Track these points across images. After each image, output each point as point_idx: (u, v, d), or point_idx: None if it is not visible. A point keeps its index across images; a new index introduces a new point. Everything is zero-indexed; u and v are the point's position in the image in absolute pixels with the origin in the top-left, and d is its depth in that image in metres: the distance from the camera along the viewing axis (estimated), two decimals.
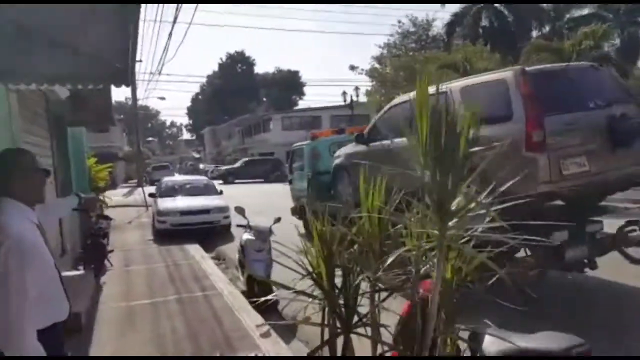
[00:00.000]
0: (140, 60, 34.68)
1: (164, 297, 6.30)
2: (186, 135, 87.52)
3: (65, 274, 6.50)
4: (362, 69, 27.64)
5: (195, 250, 9.55)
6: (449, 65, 18.63)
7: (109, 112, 8.31)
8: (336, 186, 8.66)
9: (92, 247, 7.76)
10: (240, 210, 6.60)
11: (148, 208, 16.03)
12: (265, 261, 6.16)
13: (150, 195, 13.05)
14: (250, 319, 5.31)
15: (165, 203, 11.54)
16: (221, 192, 12.81)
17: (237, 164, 35.31)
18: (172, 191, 12.64)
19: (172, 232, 10.80)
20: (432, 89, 2.37)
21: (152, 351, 4.45)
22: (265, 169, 32.96)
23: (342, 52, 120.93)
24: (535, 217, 3.33)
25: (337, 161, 8.55)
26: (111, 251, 8.45)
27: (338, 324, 2.49)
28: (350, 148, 8.13)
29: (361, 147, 7.57)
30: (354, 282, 2.41)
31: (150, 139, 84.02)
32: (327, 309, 2.53)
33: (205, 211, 11.26)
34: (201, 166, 48.04)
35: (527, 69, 5.14)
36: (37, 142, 5.75)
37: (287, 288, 2.57)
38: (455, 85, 5.61)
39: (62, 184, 7.78)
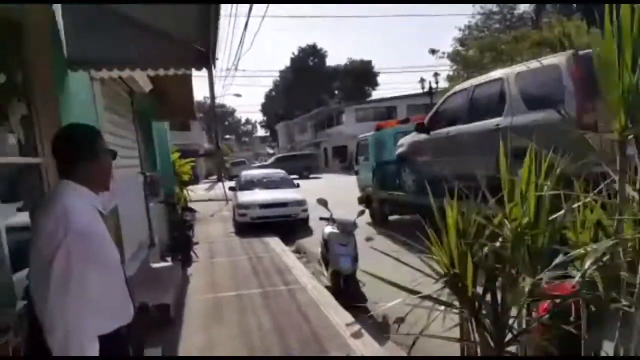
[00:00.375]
0: (217, 58, 35.71)
1: (248, 290, 6.18)
2: (260, 132, 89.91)
3: (154, 265, 6.62)
4: (444, 52, 26.27)
5: (275, 243, 9.50)
6: (544, 42, 17.02)
7: (191, 106, 8.34)
8: (399, 175, 9.10)
9: (178, 239, 7.86)
10: (323, 202, 6.33)
11: (228, 202, 16.36)
12: (351, 255, 5.84)
13: (231, 188, 13.24)
14: (339, 316, 5.00)
15: (246, 196, 11.56)
16: (298, 186, 12.71)
17: (269, 161, 35.05)
18: (251, 184, 12.72)
19: (252, 225, 10.85)
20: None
21: (239, 347, 4.27)
22: (298, 166, 32.16)
23: (419, 37, 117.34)
24: None
25: (399, 150, 8.96)
26: (196, 243, 8.55)
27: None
28: (412, 137, 8.43)
29: (422, 136, 7.94)
30: (507, 286, 1.94)
31: (227, 136, 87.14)
32: (465, 321, 2.07)
33: (283, 204, 11.19)
34: None
35: (580, 52, 5.16)
36: (122, 133, 5.81)
37: (412, 292, 2.15)
38: (510, 71, 6.08)
39: (148, 179, 7.92)
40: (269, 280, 6.66)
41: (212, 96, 22.06)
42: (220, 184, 22.17)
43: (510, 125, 5.71)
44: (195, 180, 25.53)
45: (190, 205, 10.97)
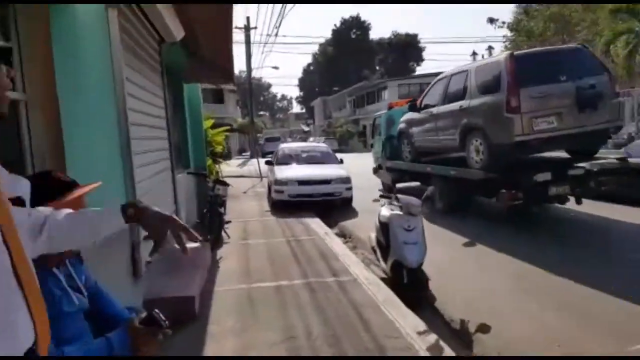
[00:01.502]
0: (255, 27, 34.96)
1: (289, 280, 5.32)
2: (296, 108, 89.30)
3: (178, 246, 5.83)
4: (503, 22, 24.56)
5: (316, 224, 8.68)
6: (620, 10, 15.40)
7: (230, 64, 7.42)
8: (399, 147, 11.12)
9: (209, 217, 7.09)
10: (384, 177, 5.38)
11: (262, 179, 15.93)
12: (419, 243, 4.87)
13: (267, 163, 12.54)
14: (405, 320, 4.06)
15: (283, 172, 10.85)
16: (341, 161, 11.83)
17: None
18: (290, 159, 12.02)
19: (289, 204, 10.19)
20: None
21: None
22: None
23: (473, 7, 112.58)
24: (524, 163, 7.78)
25: (400, 126, 11.05)
26: (228, 222, 7.80)
27: None
28: (409, 115, 10.59)
29: (415, 114, 10.18)
30: None
31: (261, 112, 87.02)
32: None
33: (326, 181, 10.40)
34: (310, 139, 48.37)
35: (514, 53, 7.64)
36: (147, 86, 4.93)
37: None
38: (472, 65, 8.59)
39: (176, 147, 7.13)
40: (313, 268, 5.79)
41: (249, 64, 21.12)
42: (253, 160, 21.70)
43: (469, 107, 8.04)
44: (227, 155, 24.96)
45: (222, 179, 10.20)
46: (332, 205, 10.32)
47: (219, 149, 11.79)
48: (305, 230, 8.17)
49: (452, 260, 6.26)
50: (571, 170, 7.71)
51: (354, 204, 10.44)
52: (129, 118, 3.63)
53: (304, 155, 12.30)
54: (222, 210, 7.53)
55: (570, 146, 8.13)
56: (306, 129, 69.24)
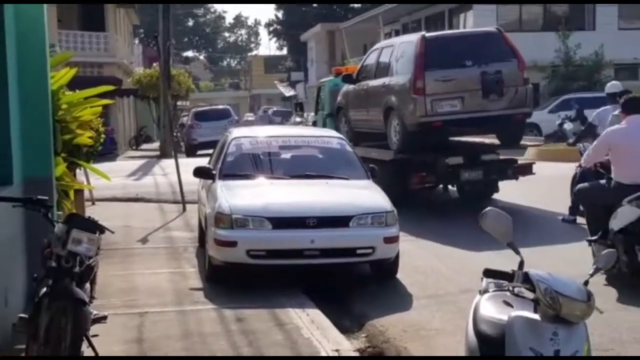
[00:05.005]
0: None
1: None
2: (268, 47, 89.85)
3: None
4: None
5: (315, 327, 8.92)
6: None
7: None
8: (338, 127, 21.08)
9: (47, 309, 6.48)
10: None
11: (186, 208, 17.64)
12: None
13: (199, 173, 12.62)
14: None
15: (237, 196, 11.32)
16: (372, 172, 12.85)
17: None
18: (254, 165, 12.59)
19: (250, 272, 10.75)
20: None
21: None
22: None
23: None
24: (438, 146, 19.69)
25: (338, 101, 21.85)
26: (101, 318, 7.26)
27: None
28: (347, 87, 21.37)
29: (352, 87, 21.03)
30: None
31: (191, 53, 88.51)
32: None
33: (338, 221, 10.84)
34: (297, 118, 48.82)
35: (426, 35, 18.96)
36: None
37: None
38: (397, 41, 22.38)
39: None
40: None
41: None
42: (167, 162, 23.74)
43: (389, 84, 18.58)
44: (110, 147, 24.83)
45: (90, 212, 10.58)
46: (351, 277, 11.33)
47: (85, 139, 11.33)
48: (288, 344, 8.35)
49: None
50: (485, 156, 17.49)
51: (405, 272, 11.23)
52: None
53: (288, 156, 13.15)
54: (82, 291, 6.94)
55: (479, 129, 18.27)
56: (289, 92, 69.35)
